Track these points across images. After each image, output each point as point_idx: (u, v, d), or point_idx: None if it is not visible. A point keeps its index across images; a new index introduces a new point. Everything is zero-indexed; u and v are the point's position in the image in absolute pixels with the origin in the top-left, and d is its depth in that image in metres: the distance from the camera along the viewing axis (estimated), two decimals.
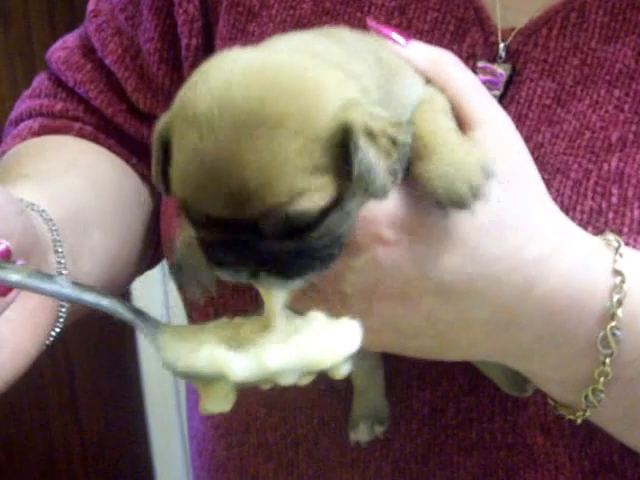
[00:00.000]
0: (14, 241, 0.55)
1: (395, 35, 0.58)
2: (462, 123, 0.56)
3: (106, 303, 0.53)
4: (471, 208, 0.52)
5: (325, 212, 0.49)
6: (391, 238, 0.54)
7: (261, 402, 0.77)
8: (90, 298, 0.53)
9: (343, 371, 0.51)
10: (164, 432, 2.18)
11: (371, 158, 0.48)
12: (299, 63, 0.50)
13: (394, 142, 0.49)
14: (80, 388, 2.21)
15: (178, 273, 0.56)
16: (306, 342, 0.50)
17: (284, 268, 0.49)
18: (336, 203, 0.49)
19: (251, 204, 0.47)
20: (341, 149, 0.48)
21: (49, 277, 0.53)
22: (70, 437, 2.22)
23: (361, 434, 0.70)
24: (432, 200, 0.52)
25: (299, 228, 0.49)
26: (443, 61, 0.58)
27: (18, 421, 2.18)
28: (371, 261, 0.54)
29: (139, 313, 0.53)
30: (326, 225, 0.49)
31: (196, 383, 0.52)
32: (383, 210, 0.54)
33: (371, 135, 0.48)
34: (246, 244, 0.49)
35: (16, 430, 2.18)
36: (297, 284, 0.51)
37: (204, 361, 0.49)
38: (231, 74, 0.49)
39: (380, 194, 0.49)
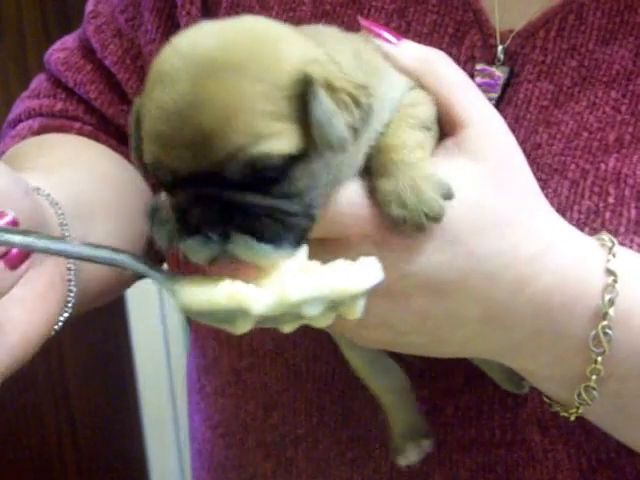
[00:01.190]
0: (21, 220, 0.54)
1: (386, 34, 0.58)
2: (453, 123, 0.57)
3: (120, 257, 0.53)
4: (427, 229, 0.53)
5: (289, 162, 0.49)
6: (380, 237, 0.54)
7: (260, 402, 0.77)
8: (102, 254, 0.52)
9: (358, 310, 0.51)
10: (159, 434, 2.17)
11: (329, 109, 0.48)
12: (265, 23, 0.51)
13: (356, 101, 0.50)
14: (74, 390, 2.20)
15: (151, 214, 0.55)
16: (328, 272, 0.50)
17: (254, 226, 0.49)
18: (301, 156, 0.49)
19: (214, 148, 0.47)
20: (303, 101, 0.49)
21: (57, 238, 0.53)
22: (63, 441, 2.21)
23: (412, 456, 0.68)
24: (390, 219, 0.53)
25: (263, 178, 0.48)
26: (434, 60, 0.58)
27: (10, 423, 2.17)
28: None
29: (151, 265, 0.53)
30: (293, 181, 0.49)
31: (214, 322, 0.51)
32: (372, 210, 0.54)
33: (331, 88, 0.49)
34: (214, 199, 0.49)
35: (8, 433, 2.17)
36: (270, 252, 0.50)
37: (222, 296, 0.48)
38: (196, 34, 0.50)
39: (338, 147, 0.49)
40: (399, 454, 0.68)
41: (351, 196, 0.54)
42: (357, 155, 0.54)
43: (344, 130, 0.49)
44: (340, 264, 0.51)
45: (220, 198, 0.49)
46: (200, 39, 0.49)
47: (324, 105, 0.48)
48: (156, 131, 0.49)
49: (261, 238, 0.49)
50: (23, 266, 0.55)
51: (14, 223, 0.54)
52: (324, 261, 0.52)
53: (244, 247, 0.49)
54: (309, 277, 0.50)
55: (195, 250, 0.50)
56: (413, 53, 0.58)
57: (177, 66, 0.48)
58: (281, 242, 0.50)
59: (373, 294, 0.54)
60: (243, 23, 0.51)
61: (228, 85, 0.47)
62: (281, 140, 0.48)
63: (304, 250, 0.52)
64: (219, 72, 0.47)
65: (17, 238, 0.50)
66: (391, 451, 0.69)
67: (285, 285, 0.49)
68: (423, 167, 0.54)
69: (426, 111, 0.56)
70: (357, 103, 0.49)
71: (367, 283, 0.51)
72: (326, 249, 0.54)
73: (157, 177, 0.51)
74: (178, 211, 0.50)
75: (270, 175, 0.49)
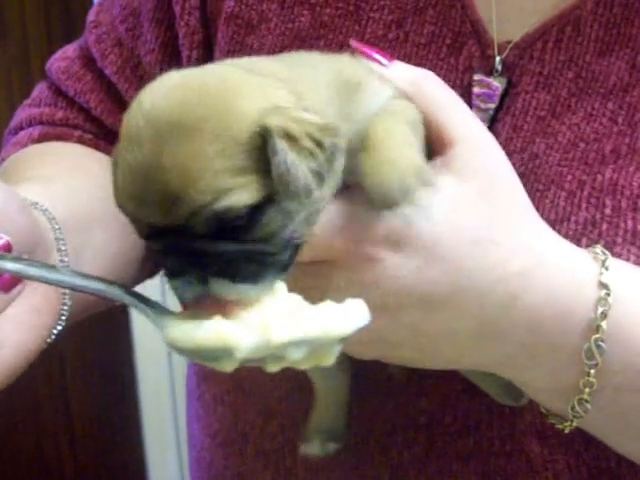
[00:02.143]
0: (16, 238, 0.55)
1: (377, 56, 0.59)
2: (442, 142, 0.57)
3: (110, 289, 0.53)
4: (399, 209, 0.53)
5: (255, 210, 0.50)
6: (374, 254, 0.55)
7: (259, 410, 0.78)
8: (93, 285, 0.53)
9: (333, 356, 0.52)
10: (159, 442, 2.18)
11: (289, 159, 0.49)
12: (223, 73, 0.52)
13: (320, 145, 0.50)
14: (73, 397, 2.20)
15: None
16: (313, 314, 0.51)
17: (230, 271, 0.50)
18: (267, 202, 0.50)
19: (179, 206, 0.49)
20: (264, 152, 0.49)
21: (50, 266, 0.53)
22: (62, 448, 2.21)
23: (313, 448, 0.70)
24: (365, 197, 0.53)
25: (232, 226, 0.49)
26: (423, 81, 0.59)
27: (8, 431, 2.18)
28: (354, 277, 0.55)
29: (142, 298, 0.54)
30: (263, 225, 0.50)
31: (200, 361, 0.52)
32: (365, 227, 0.55)
33: (291, 138, 0.49)
34: (187, 248, 0.50)
35: (6, 440, 2.17)
36: (250, 290, 0.51)
37: (208, 334, 0.49)
38: (158, 89, 0.51)
39: (303, 195, 0.50)
40: (305, 441, 0.70)
41: (335, 217, 0.55)
42: (333, 185, 0.54)
43: (307, 178, 0.49)
44: (326, 306, 0.51)
45: (192, 248, 0.50)
46: (161, 97, 0.50)
47: (283, 156, 0.48)
48: (127, 189, 0.50)
49: (238, 279, 0.50)
50: (16, 289, 0.55)
51: (7, 247, 0.54)
52: (316, 284, 0.53)
53: (223, 289, 0.50)
54: (294, 319, 0.50)
55: (180, 290, 0.51)
56: (403, 74, 0.59)
57: (141, 127, 0.50)
58: (260, 279, 0.51)
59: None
60: (203, 76, 0.52)
61: (187, 146, 0.48)
62: (242, 193, 0.49)
63: (282, 286, 0.52)
64: (178, 133, 0.48)
65: (9, 265, 0.51)
66: (301, 435, 0.71)
67: (270, 327, 0.49)
68: (404, 148, 0.54)
69: (410, 113, 0.57)
70: (320, 146, 0.50)
71: (353, 326, 0.51)
72: (317, 270, 0.55)
73: (134, 228, 0.52)
74: (159, 257, 0.52)
75: (238, 224, 0.50)
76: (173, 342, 0.51)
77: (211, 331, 0.49)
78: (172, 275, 0.51)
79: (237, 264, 0.50)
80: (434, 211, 0.55)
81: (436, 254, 0.55)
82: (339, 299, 0.54)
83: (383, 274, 0.55)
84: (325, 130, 0.50)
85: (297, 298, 0.52)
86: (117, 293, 0.53)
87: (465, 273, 0.56)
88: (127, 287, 0.54)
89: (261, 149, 0.49)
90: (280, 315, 0.50)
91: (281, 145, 0.48)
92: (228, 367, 0.50)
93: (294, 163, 0.49)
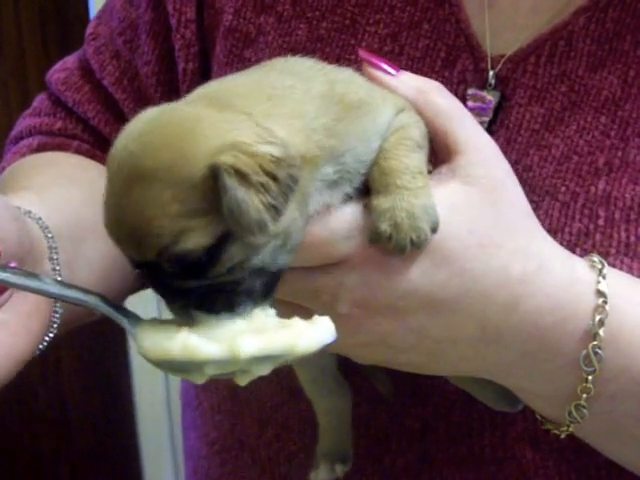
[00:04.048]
0: (7, 246, 0.56)
1: (385, 65, 0.60)
2: (448, 150, 0.58)
3: (88, 299, 0.55)
4: (406, 253, 0.55)
5: (215, 248, 0.51)
6: (381, 258, 0.55)
7: (255, 418, 0.78)
8: (72, 294, 0.55)
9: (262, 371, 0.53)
10: (156, 452, 2.17)
11: (239, 196, 0.49)
12: (186, 116, 0.53)
13: (274, 178, 0.50)
14: (72, 408, 2.20)
15: None
16: (279, 330, 0.52)
17: (204, 304, 0.52)
18: (227, 238, 0.51)
19: (144, 248, 0.51)
20: (218, 191, 0.50)
21: (33, 274, 0.54)
22: (60, 456, 2.21)
23: (321, 474, 0.71)
24: (374, 235, 0.55)
25: (198, 265, 0.51)
26: (430, 90, 0.60)
27: (6, 440, 2.17)
28: (365, 278, 0.56)
29: (120, 309, 0.55)
30: (226, 260, 0.51)
31: (171, 373, 0.53)
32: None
33: (241, 174, 0.49)
34: (163, 284, 0.52)
35: (3, 449, 2.17)
36: (232, 316, 0.52)
37: (178, 348, 0.51)
38: (131, 132, 0.53)
39: (256, 230, 0.50)
40: (313, 469, 0.71)
41: (351, 220, 0.55)
42: (307, 207, 0.54)
43: (259, 213, 0.50)
44: (294, 322, 0.52)
45: (166, 284, 0.52)
46: (131, 142, 0.52)
47: (232, 194, 0.49)
48: (107, 226, 0.53)
49: (213, 311, 0.52)
50: (3, 296, 0.56)
51: None
52: (327, 286, 0.54)
53: (206, 319, 0.52)
54: (261, 335, 0.51)
55: (177, 314, 0.54)
56: (410, 83, 0.60)
57: (114, 171, 0.52)
58: (235, 307, 0.52)
59: (373, 314, 0.56)
60: (168, 120, 0.53)
61: (147, 192, 0.50)
62: (197, 235, 0.50)
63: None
64: (141, 180, 0.50)
65: None
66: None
67: (236, 343, 0.50)
68: (424, 196, 0.55)
69: (417, 131, 0.58)
70: (275, 179, 0.50)
71: (318, 343, 0.52)
72: (328, 272, 0.56)
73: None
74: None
75: (200, 262, 0.51)
76: (145, 354, 0.52)
77: (180, 346, 0.51)
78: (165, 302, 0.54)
79: (209, 297, 0.52)
80: (442, 215, 0.56)
81: (444, 256, 0.56)
82: (349, 300, 0.56)
83: (392, 275, 0.56)
84: (281, 163, 0.50)
85: (270, 313, 0.53)
86: (95, 302, 0.55)
87: (471, 275, 0.57)
88: (104, 297, 0.55)
89: (215, 189, 0.49)
90: (247, 330, 0.51)
91: (230, 182, 0.49)
92: (198, 380, 0.52)
93: (244, 199, 0.49)
